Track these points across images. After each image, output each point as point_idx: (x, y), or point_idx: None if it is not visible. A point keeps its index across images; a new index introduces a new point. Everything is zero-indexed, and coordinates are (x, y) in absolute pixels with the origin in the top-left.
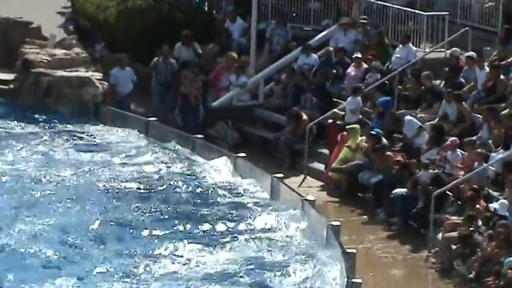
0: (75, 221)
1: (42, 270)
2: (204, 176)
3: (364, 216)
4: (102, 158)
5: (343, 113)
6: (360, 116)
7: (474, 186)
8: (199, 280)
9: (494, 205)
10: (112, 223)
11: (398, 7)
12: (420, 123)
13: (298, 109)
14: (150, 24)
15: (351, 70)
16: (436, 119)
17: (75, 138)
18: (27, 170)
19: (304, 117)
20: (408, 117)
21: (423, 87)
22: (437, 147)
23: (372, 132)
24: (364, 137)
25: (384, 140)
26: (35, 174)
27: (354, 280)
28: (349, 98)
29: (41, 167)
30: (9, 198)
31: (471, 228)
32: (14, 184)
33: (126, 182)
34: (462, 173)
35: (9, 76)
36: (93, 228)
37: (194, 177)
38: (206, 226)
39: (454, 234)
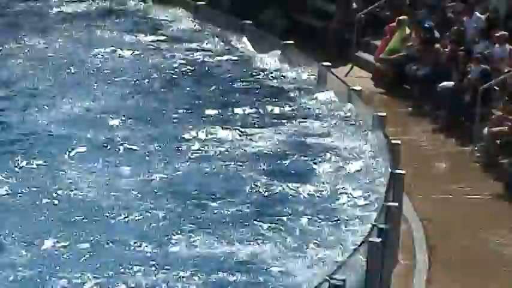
0: (114, 104)
1: (79, 153)
2: (251, 62)
3: (410, 109)
4: (149, 40)
5: None
6: None
7: None
8: (238, 162)
9: None
10: (153, 106)
11: None
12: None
13: None
14: None
15: None
16: (487, 14)
17: (124, 18)
18: (72, 51)
19: (354, 5)
20: (478, 14)
21: None
22: (486, 40)
23: (426, 25)
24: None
25: (436, 33)
26: (79, 55)
27: (397, 171)
28: None
29: (85, 47)
30: (50, 80)
31: None
32: (57, 65)
33: (172, 66)
34: (509, 68)
35: None
36: (131, 111)
37: (241, 62)
38: (250, 110)
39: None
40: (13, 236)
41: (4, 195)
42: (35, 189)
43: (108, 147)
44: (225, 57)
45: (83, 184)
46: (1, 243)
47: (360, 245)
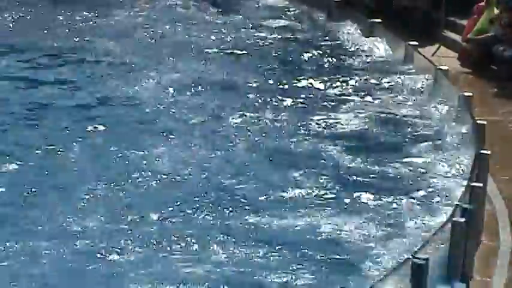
0: (198, 77)
1: (162, 125)
2: (338, 40)
3: (496, 89)
4: (234, 17)
5: None
6: None
7: None
8: (322, 137)
9: None
10: (238, 82)
11: None
12: None
13: None
14: None
15: None
16: None
17: None
18: (156, 26)
19: None
20: None
21: None
22: None
23: None
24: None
25: None
26: (164, 30)
27: (482, 151)
28: None
29: (169, 23)
30: (136, 54)
31: None
32: (142, 39)
33: (257, 42)
34: None
35: None
36: (215, 85)
37: (327, 40)
38: (335, 87)
39: None
40: (96, 207)
41: (88, 163)
42: (117, 158)
43: (191, 120)
44: (311, 35)
45: (166, 157)
46: (86, 213)
47: (443, 225)
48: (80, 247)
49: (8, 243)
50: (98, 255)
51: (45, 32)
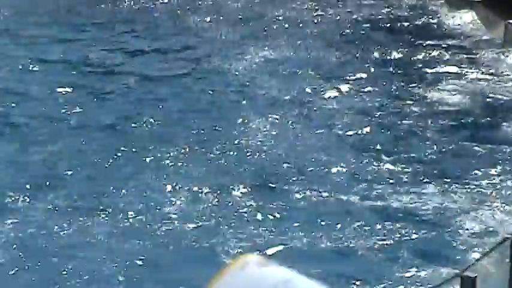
0: (294, 56)
1: (260, 98)
2: (436, 18)
3: None
4: None
5: None
6: None
7: None
8: (415, 117)
9: None
10: (330, 59)
11: None
12: None
13: None
14: None
15: None
16: None
17: None
18: (252, 4)
19: None
20: None
21: None
22: None
23: None
24: None
25: None
26: (258, 8)
27: None
28: None
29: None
30: (234, 30)
31: None
32: (236, 18)
33: (355, 20)
34: None
35: None
36: (311, 64)
37: (424, 18)
38: (434, 66)
39: None
40: (187, 182)
41: (180, 136)
42: (211, 133)
43: (285, 97)
44: (408, 13)
45: (260, 132)
46: (176, 190)
47: None
48: (170, 224)
49: (100, 219)
50: (191, 230)
51: (144, 6)
